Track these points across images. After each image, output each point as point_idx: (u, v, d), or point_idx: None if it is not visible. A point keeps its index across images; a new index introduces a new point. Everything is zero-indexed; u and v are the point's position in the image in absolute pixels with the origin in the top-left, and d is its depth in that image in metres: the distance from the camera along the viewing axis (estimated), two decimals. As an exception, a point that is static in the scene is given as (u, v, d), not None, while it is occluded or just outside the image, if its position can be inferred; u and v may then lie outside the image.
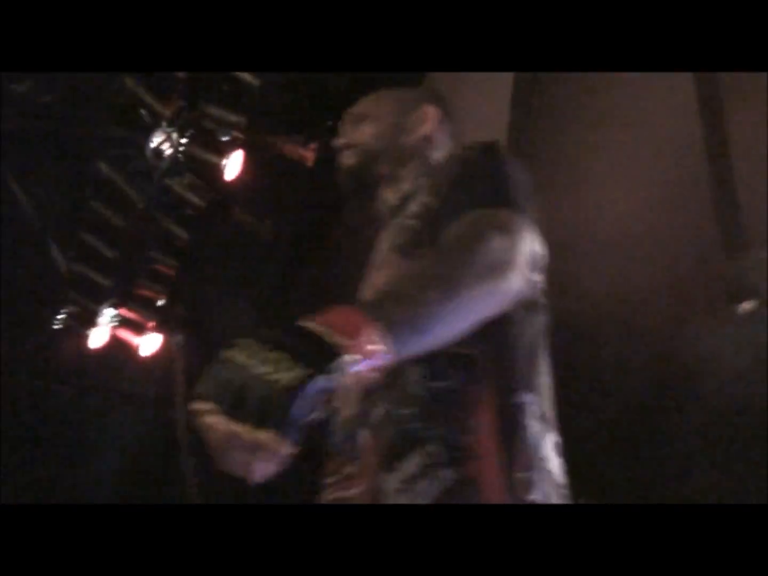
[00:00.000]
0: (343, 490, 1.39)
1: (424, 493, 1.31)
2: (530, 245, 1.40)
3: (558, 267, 1.65)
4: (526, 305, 1.48)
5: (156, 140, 3.96)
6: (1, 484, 4.45)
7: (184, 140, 4.00)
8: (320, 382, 1.05)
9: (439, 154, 1.71)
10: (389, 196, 1.74)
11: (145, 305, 5.00)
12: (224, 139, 4.01)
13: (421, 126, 1.77)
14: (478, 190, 1.43)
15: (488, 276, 1.28)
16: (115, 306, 4.96)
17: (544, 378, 1.48)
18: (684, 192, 3.61)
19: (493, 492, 1.31)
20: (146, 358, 5.28)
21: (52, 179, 4.85)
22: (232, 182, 4.14)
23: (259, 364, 1.04)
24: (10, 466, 4.59)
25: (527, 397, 1.41)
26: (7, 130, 4.09)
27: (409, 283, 1.26)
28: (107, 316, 4.98)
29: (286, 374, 1.03)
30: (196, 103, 3.97)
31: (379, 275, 1.57)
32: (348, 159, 1.79)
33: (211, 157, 4.03)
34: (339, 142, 1.81)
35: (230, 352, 1.08)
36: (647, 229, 3.81)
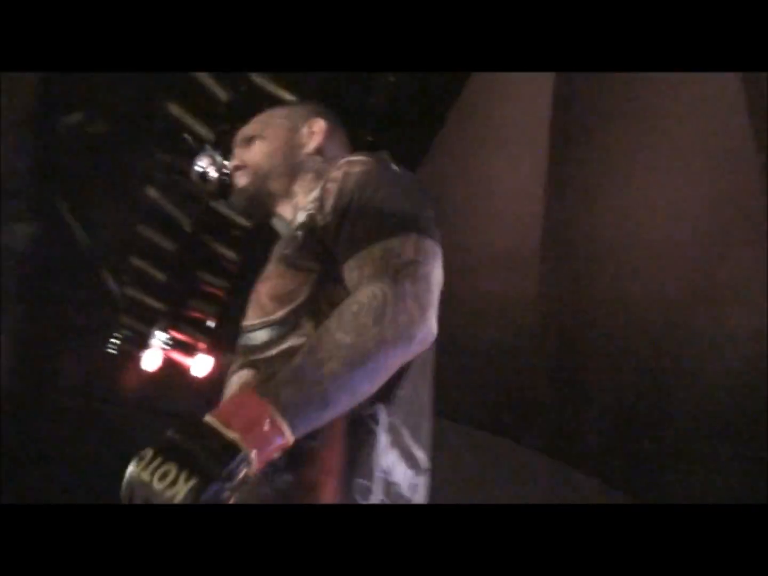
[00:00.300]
0: None
1: (264, 496, 1.33)
2: (440, 274, 1.39)
3: (604, 268, 1.63)
4: None
5: (201, 163, 4.01)
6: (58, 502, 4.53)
7: (228, 162, 4.05)
8: (214, 488, 1.12)
9: (330, 165, 1.64)
10: (285, 211, 1.76)
11: (197, 327, 5.08)
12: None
13: (311, 140, 1.79)
14: (374, 210, 1.40)
15: (400, 340, 1.26)
16: (167, 328, 5.05)
17: (406, 392, 1.44)
18: (736, 193, 3.56)
19: (329, 495, 1.32)
20: (198, 379, 5.37)
21: (103, 207, 4.97)
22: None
23: (157, 480, 1.12)
24: (64, 485, 4.68)
25: (380, 409, 1.39)
26: (60, 161, 4.20)
27: (309, 358, 1.24)
28: (159, 338, 5.07)
29: (183, 487, 1.10)
30: (239, 125, 4.02)
31: (264, 285, 1.57)
32: (241, 180, 1.85)
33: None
34: (231, 164, 1.85)
35: (135, 468, 1.14)
36: (696, 230, 3.77)
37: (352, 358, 1.22)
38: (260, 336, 1.46)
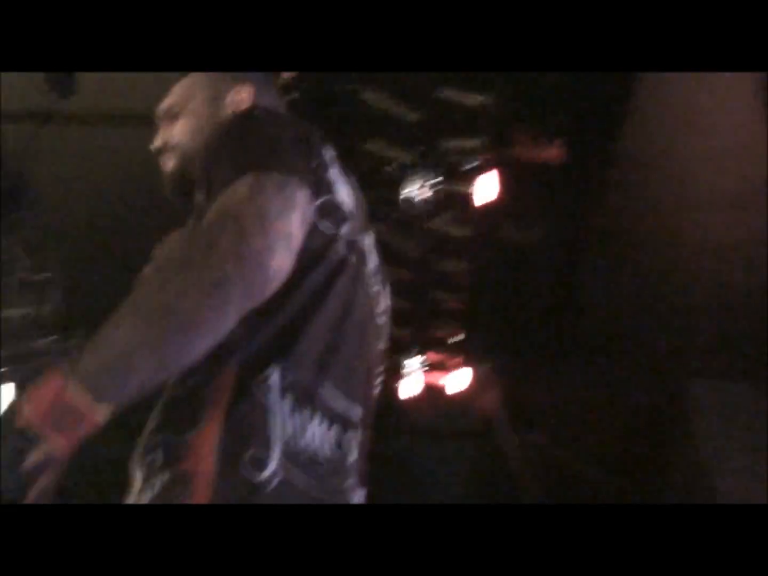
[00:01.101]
0: None
1: (149, 500, 1.22)
2: (302, 205, 1.25)
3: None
4: (306, 262, 1.29)
5: (410, 189, 4.06)
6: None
7: (433, 181, 4.07)
8: (11, 478, 1.08)
9: None
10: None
11: (446, 345, 5.11)
12: (471, 166, 4.03)
13: (239, 109, 1.55)
14: (229, 160, 1.29)
15: (209, 288, 1.13)
16: (419, 353, 5.11)
17: (314, 344, 1.30)
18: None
19: (203, 484, 1.19)
20: (458, 394, 5.39)
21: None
22: (491, 203, 4.14)
23: None
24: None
25: (274, 373, 1.25)
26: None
27: (110, 321, 1.13)
28: (414, 365, 5.15)
29: None
30: (435, 142, 4.03)
31: None
32: (168, 162, 1.57)
33: (463, 187, 4.07)
34: (155, 144, 1.59)
35: None
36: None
37: (148, 314, 1.12)
38: None
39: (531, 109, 4.02)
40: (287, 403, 1.25)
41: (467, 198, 4.18)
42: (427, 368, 5.18)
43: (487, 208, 4.20)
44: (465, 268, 4.62)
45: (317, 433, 1.28)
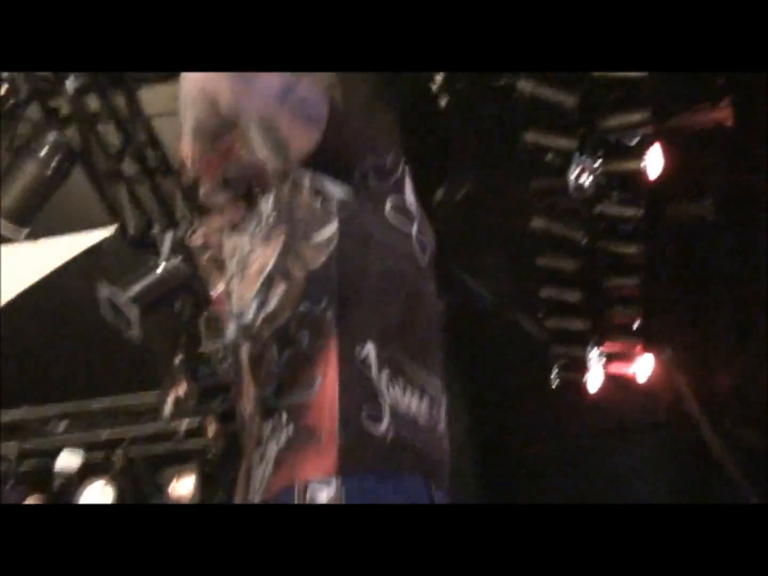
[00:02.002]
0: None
1: (271, 453, 1.41)
2: None
3: None
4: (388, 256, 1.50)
5: (574, 175, 3.99)
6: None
7: (598, 163, 3.99)
8: None
9: None
10: None
11: (625, 332, 4.97)
12: (635, 141, 3.93)
13: None
14: None
15: None
16: (598, 344, 4.99)
17: (396, 321, 1.48)
18: None
19: (328, 436, 1.37)
20: (645, 383, 5.22)
21: (491, 258, 5.12)
22: (660, 178, 4.01)
23: None
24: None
25: (369, 347, 1.43)
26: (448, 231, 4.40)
27: None
28: (594, 357, 5.03)
29: None
30: (594, 123, 3.96)
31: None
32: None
33: (630, 164, 3.97)
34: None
35: None
36: None
37: None
38: (250, 310, 1.50)
39: (687, 73, 3.88)
40: (384, 376, 1.44)
41: (633, 176, 4.07)
42: (608, 358, 5.04)
43: (655, 184, 4.08)
44: (638, 251, 4.48)
45: (413, 403, 1.46)
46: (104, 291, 3.86)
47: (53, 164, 3.23)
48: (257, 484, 1.47)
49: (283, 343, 1.46)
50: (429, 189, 4.44)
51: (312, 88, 1.50)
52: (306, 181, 1.53)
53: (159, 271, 3.86)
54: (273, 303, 1.48)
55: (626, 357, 5.08)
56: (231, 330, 1.51)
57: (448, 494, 1.49)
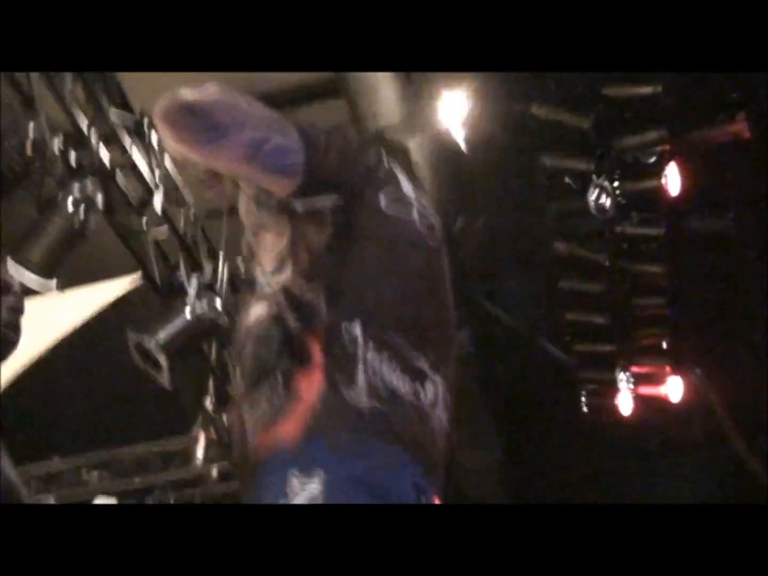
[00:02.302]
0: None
1: (264, 411, 1.54)
2: None
3: None
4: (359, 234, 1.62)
5: (593, 197, 3.99)
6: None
7: (616, 183, 3.99)
8: None
9: None
10: None
11: (653, 353, 4.94)
12: (652, 160, 3.93)
13: None
14: None
15: None
16: (626, 367, 4.96)
17: (385, 299, 1.58)
18: None
19: (313, 401, 1.50)
20: (678, 404, 5.16)
21: (516, 285, 5.12)
22: (680, 195, 4.01)
23: None
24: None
25: (354, 327, 1.54)
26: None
27: None
28: (624, 379, 4.99)
29: None
30: (610, 144, 3.97)
31: (266, 237, 1.75)
32: None
33: (649, 183, 3.97)
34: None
35: None
36: None
37: None
38: (265, 275, 1.66)
39: (701, 89, 3.89)
40: (370, 351, 1.54)
41: (653, 195, 4.07)
42: (637, 380, 5.00)
43: (676, 201, 4.07)
44: (662, 270, 4.46)
45: (395, 375, 1.55)
46: (133, 338, 3.90)
47: (78, 217, 3.27)
48: (251, 434, 1.59)
49: (294, 314, 1.59)
50: (449, 218, 4.45)
51: (285, 136, 1.57)
52: (299, 207, 1.64)
53: (186, 315, 3.90)
54: (279, 283, 1.64)
55: (655, 378, 5.04)
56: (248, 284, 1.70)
57: (441, 492, 1.53)
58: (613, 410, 5.07)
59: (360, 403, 1.49)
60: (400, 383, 1.54)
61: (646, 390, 5.13)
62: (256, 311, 1.66)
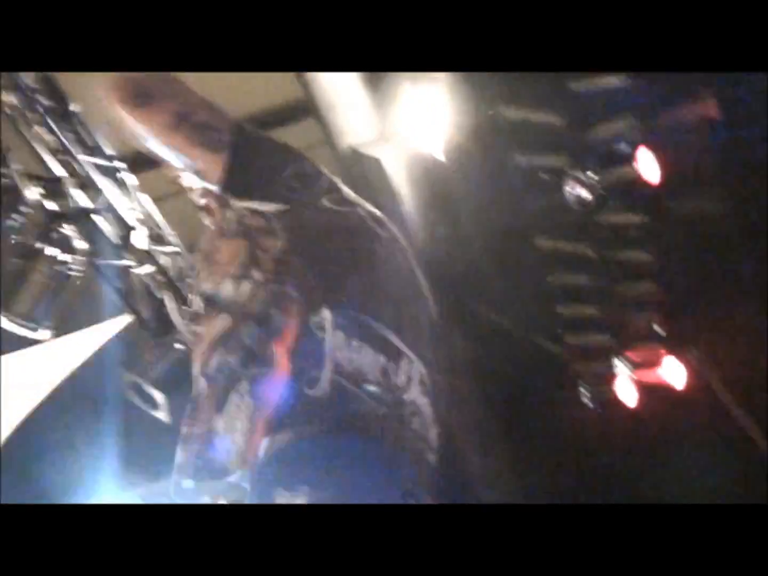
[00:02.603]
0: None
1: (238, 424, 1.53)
2: None
3: None
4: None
5: (570, 190, 4.02)
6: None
7: (592, 174, 4.01)
8: None
9: None
10: None
11: (647, 339, 4.94)
12: (624, 148, 3.96)
13: None
14: None
15: None
16: (622, 354, 4.96)
17: (351, 285, 1.61)
18: None
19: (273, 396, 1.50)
20: (680, 388, 5.15)
21: (505, 286, 5.12)
22: (659, 180, 4.03)
23: None
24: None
25: (325, 313, 1.57)
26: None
27: None
28: (622, 368, 4.99)
29: None
30: (582, 137, 4.00)
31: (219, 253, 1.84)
32: None
33: (625, 170, 3.99)
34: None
35: None
36: None
37: None
38: (227, 289, 1.67)
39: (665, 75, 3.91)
40: (339, 335, 1.55)
41: (630, 182, 4.08)
42: (634, 367, 5.00)
43: (655, 186, 4.08)
44: (648, 255, 4.47)
45: (366, 359, 1.56)
46: (128, 378, 3.90)
47: (60, 263, 3.29)
48: (226, 446, 1.59)
49: (259, 321, 1.60)
50: (428, 225, 4.47)
51: (212, 115, 1.66)
52: (240, 206, 1.70)
53: (177, 349, 3.90)
54: (244, 293, 1.66)
55: (652, 364, 5.03)
56: (197, 303, 1.73)
57: (426, 491, 1.54)
58: (615, 401, 5.06)
59: (324, 395, 1.51)
60: (372, 368, 1.57)
61: (644, 375, 5.12)
62: (220, 324, 1.67)
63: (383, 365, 1.58)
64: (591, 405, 5.25)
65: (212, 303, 1.70)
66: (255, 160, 1.67)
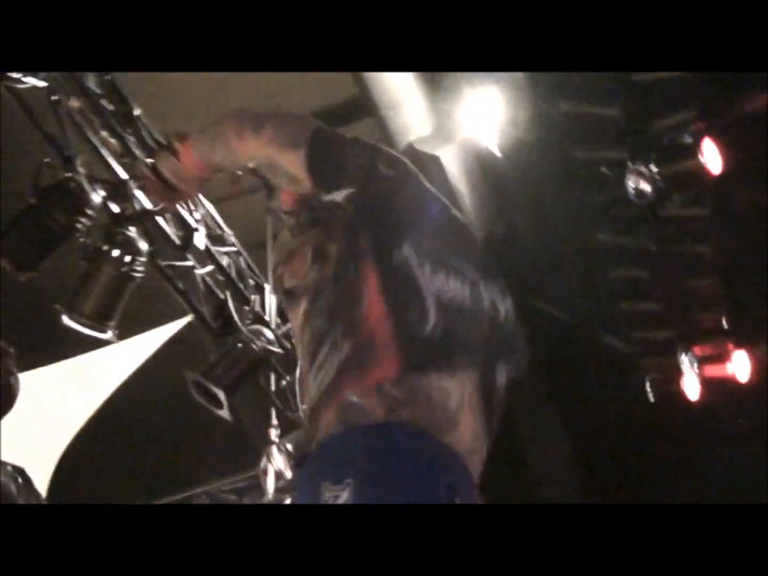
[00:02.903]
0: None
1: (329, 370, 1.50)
2: None
3: None
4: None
5: (631, 183, 3.96)
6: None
7: (654, 167, 3.95)
8: None
9: None
10: None
11: (713, 333, 4.84)
12: (688, 140, 3.89)
13: None
14: None
15: None
16: (689, 349, 4.87)
17: (429, 220, 1.63)
18: None
19: (384, 343, 1.47)
20: (746, 383, 5.05)
21: (563, 283, 5.08)
22: (721, 172, 3.95)
23: None
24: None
25: (407, 248, 1.56)
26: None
27: None
28: (688, 362, 4.90)
29: None
30: (643, 129, 3.94)
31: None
32: None
33: (687, 163, 3.92)
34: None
35: None
36: None
37: None
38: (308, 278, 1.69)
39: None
40: (427, 269, 1.56)
41: (692, 175, 4.01)
42: (701, 362, 4.90)
43: (717, 178, 4.01)
44: (711, 248, 4.39)
45: (457, 288, 1.58)
46: (191, 377, 3.96)
47: (125, 264, 3.36)
48: (313, 393, 1.58)
49: (335, 281, 1.62)
50: (488, 223, 4.45)
51: (292, 115, 1.77)
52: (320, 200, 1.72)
53: (239, 349, 3.95)
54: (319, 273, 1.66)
55: (720, 358, 4.93)
56: (281, 300, 1.73)
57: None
58: (681, 396, 4.98)
59: (433, 333, 1.51)
60: (463, 293, 1.59)
61: (711, 371, 5.02)
62: (302, 305, 1.69)
63: (469, 293, 1.61)
64: (655, 400, 5.17)
65: (293, 296, 1.73)
66: (332, 154, 1.72)
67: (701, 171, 3.98)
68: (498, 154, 4.21)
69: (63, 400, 4.38)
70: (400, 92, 4.10)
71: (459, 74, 4.06)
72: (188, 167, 1.83)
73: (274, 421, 4.51)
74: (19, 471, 2.32)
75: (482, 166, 4.33)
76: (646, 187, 3.97)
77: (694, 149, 3.92)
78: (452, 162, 4.23)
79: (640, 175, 3.95)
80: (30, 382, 4.15)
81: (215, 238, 3.91)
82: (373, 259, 1.59)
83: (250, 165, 1.85)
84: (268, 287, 4.09)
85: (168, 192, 1.89)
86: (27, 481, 2.28)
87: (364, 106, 4.17)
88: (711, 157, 3.94)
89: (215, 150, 1.81)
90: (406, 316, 1.52)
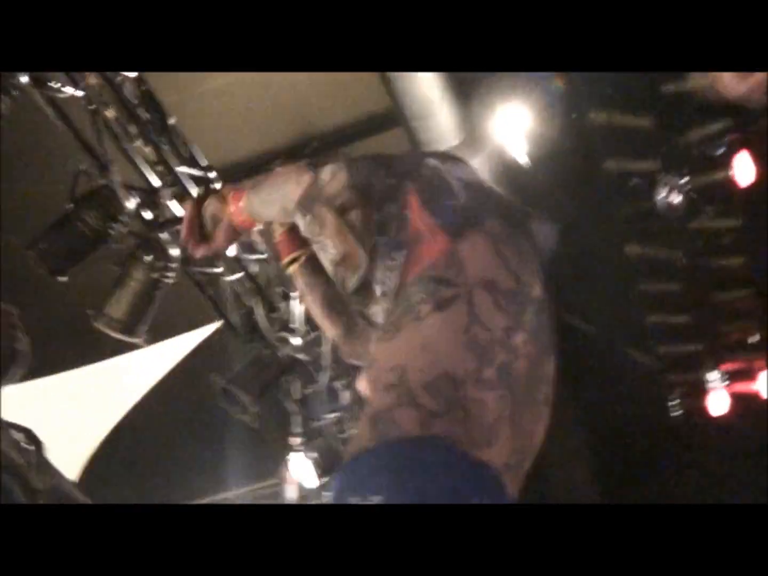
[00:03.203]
0: None
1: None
2: None
3: None
4: None
5: (661, 194, 3.93)
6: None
7: (685, 179, 3.93)
8: None
9: None
10: None
11: (743, 348, 4.80)
12: (720, 152, 3.86)
13: None
14: None
15: None
16: (716, 365, 4.83)
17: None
18: None
19: (428, 230, 1.50)
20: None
21: (593, 294, 5.05)
22: (754, 184, 3.91)
23: None
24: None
25: (431, 161, 1.60)
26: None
27: None
28: (715, 379, 4.85)
29: None
30: (674, 140, 3.92)
31: None
32: None
33: (719, 175, 3.89)
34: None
35: None
36: None
37: None
38: None
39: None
40: (450, 167, 1.61)
41: (724, 187, 3.98)
42: (729, 378, 4.86)
43: (750, 191, 3.97)
44: (743, 262, 4.35)
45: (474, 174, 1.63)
46: (218, 382, 3.98)
47: (156, 267, 3.38)
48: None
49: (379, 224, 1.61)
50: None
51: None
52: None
53: (266, 356, 3.97)
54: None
55: (748, 375, 4.89)
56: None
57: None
58: (704, 412, 4.93)
59: (460, 203, 1.55)
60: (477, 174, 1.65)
61: (739, 387, 4.97)
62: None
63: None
64: (681, 415, 5.13)
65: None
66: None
67: (733, 183, 3.95)
68: (527, 164, 4.20)
69: (92, 402, 4.41)
70: (428, 101, 4.10)
71: (489, 85, 4.06)
72: (231, 216, 1.76)
73: (298, 429, 4.51)
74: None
75: (511, 177, 4.32)
76: (676, 199, 3.94)
77: (726, 161, 3.89)
78: (480, 170, 4.21)
79: (672, 186, 3.92)
80: (60, 384, 4.19)
81: (245, 245, 3.92)
82: (410, 182, 1.62)
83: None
84: (293, 295, 4.10)
85: (200, 236, 1.84)
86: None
87: (393, 116, 4.17)
88: (743, 168, 3.91)
89: (272, 199, 1.73)
90: (440, 200, 1.56)
